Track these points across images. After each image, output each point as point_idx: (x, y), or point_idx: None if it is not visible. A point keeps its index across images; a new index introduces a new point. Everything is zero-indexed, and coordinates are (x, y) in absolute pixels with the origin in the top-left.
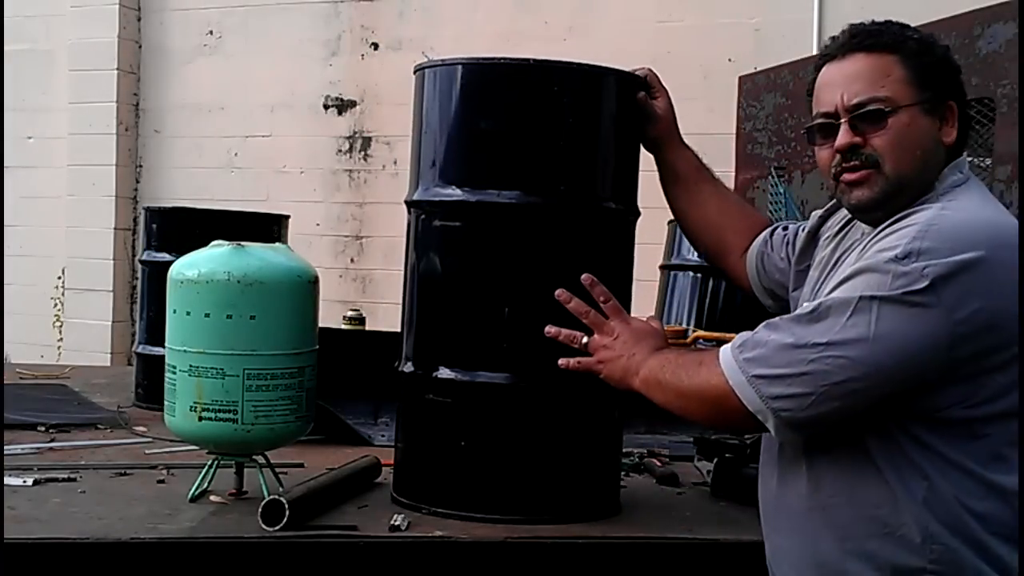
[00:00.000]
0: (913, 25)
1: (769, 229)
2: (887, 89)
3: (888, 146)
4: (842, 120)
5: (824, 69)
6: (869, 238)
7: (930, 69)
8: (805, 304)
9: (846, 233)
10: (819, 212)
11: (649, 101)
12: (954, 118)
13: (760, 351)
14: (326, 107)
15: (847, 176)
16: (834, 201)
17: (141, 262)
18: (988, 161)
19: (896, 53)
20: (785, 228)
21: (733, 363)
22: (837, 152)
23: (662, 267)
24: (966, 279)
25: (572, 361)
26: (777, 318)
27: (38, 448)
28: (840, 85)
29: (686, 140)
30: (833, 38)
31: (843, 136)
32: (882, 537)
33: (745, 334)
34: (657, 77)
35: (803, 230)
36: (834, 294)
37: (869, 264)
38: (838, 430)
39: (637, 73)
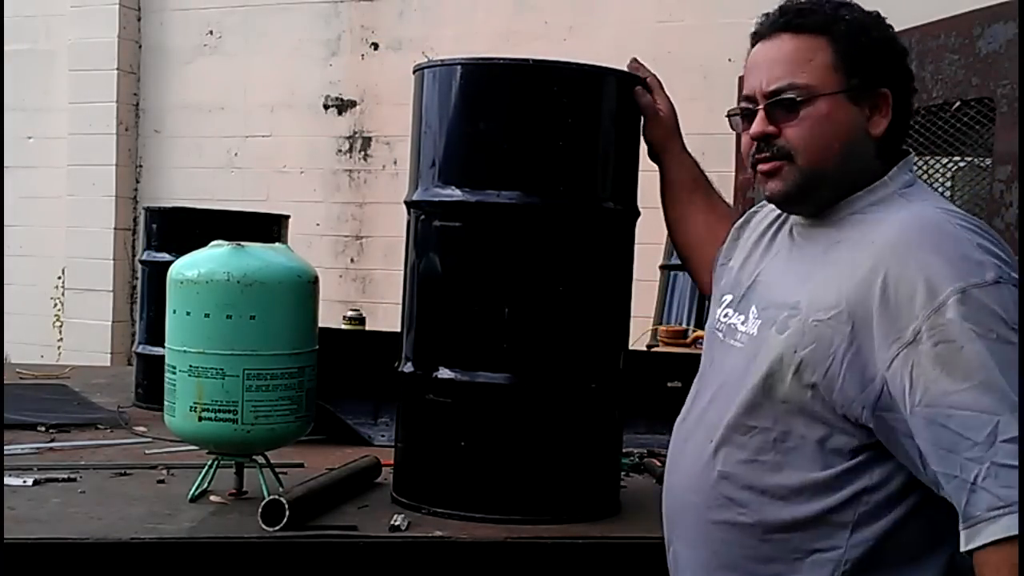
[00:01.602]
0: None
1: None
2: (807, 75)
3: (801, 138)
4: (759, 107)
5: (753, 50)
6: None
7: (862, 53)
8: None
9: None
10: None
11: (653, 106)
12: (887, 107)
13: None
14: (326, 107)
15: (761, 167)
16: (753, 208)
17: (141, 262)
18: (988, 161)
19: (824, 35)
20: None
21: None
22: (752, 140)
23: (662, 267)
24: None
25: None
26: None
27: (38, 448)
28: (763, 68)
29: (687, 141)
30: (766, 15)
31: (756, 124)
32: None
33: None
34: (660, 82)
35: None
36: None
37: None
38: None
39: (642, 75)
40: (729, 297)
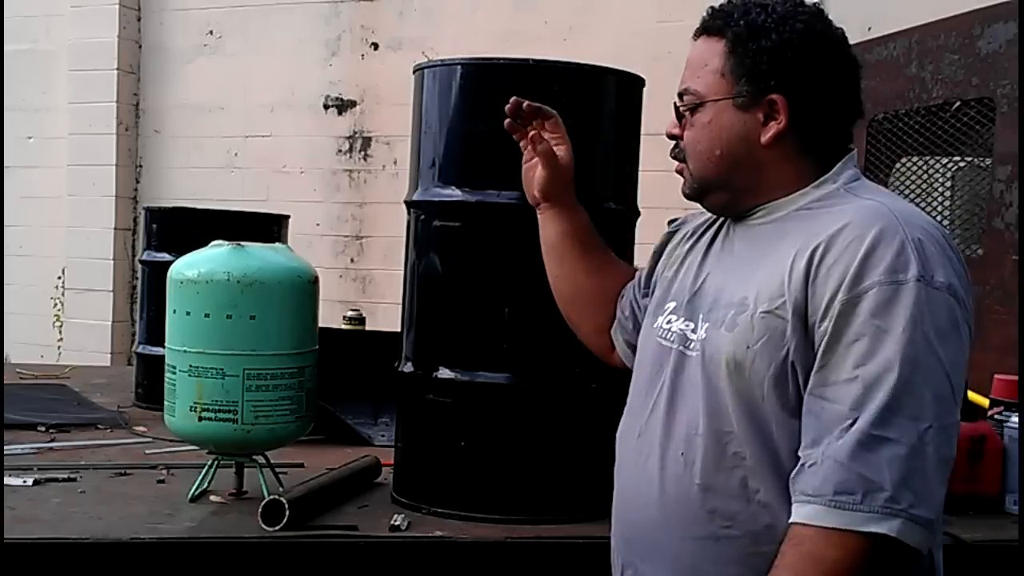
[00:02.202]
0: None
1: (622, 293)
2: (700, 81)
3: (689, 143)
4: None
5: None
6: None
7: (752, 58)
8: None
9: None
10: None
11: (552, 153)
12: (782, 114)
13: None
14: (326, 107)
15: (676, 166)
16: (678, 221)
17: (141, 262)
18: (988, 161)
19: (723, 38)
20: (630, 287)
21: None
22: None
23: None
24: None
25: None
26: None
27: (38, 448)
28: (685, 69)
29: None
30: None
31: (668, 125)
32: None
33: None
34: (561, 123)
35: (643, 270)
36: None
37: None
38: None
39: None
40: (673, 304)
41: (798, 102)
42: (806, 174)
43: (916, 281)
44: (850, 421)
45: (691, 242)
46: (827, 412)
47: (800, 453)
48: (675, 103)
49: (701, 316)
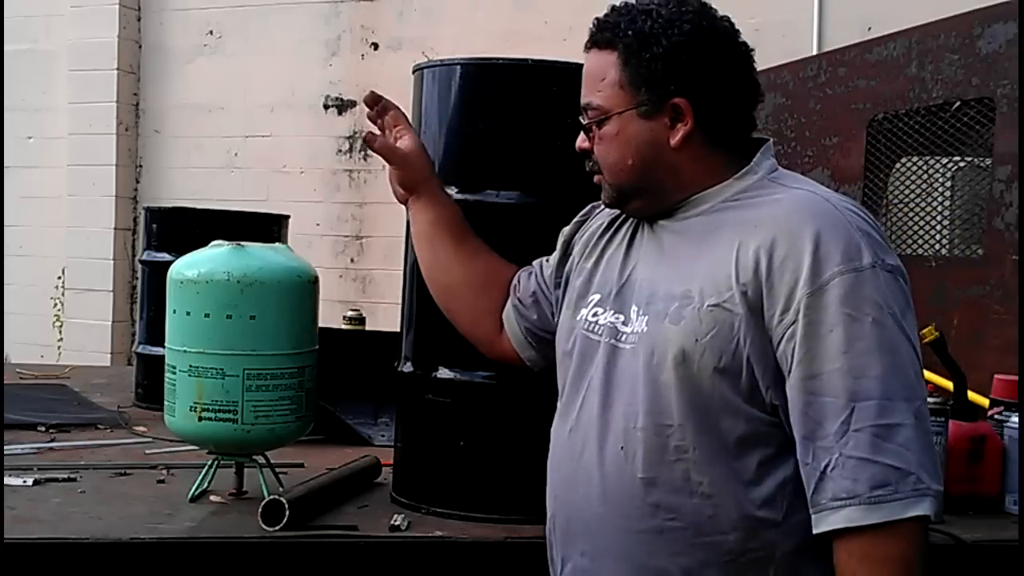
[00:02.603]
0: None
1: (515, 280)
2: (601, 95)
3: (600, 155)
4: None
5: None
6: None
7: (647, 66)
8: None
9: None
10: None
11: (391, 147)
12: (687, 116)
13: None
14: (326, 107)
15: (596, 178)
16: (585, 210)
17: (141, 262)
18: (988, 161)
19: (615, 50)
20: (529, 273)
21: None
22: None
23: None
24: None
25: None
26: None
27: (38, 448)
28: (583, 83)
29: None
30: None
31: (579, 139)
32: None
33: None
34: (403, 114)
35: (547, 260)
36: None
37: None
38: None
39: (384, 109)
40: (598, 296)
41: (700, 101)
42: (723, 166)
43: (872, 267)
44: (847, 412)
45: (609, 234)
46: (817, 406)
47: (801, 459)
48: (580, 119)
49: (636, 309)
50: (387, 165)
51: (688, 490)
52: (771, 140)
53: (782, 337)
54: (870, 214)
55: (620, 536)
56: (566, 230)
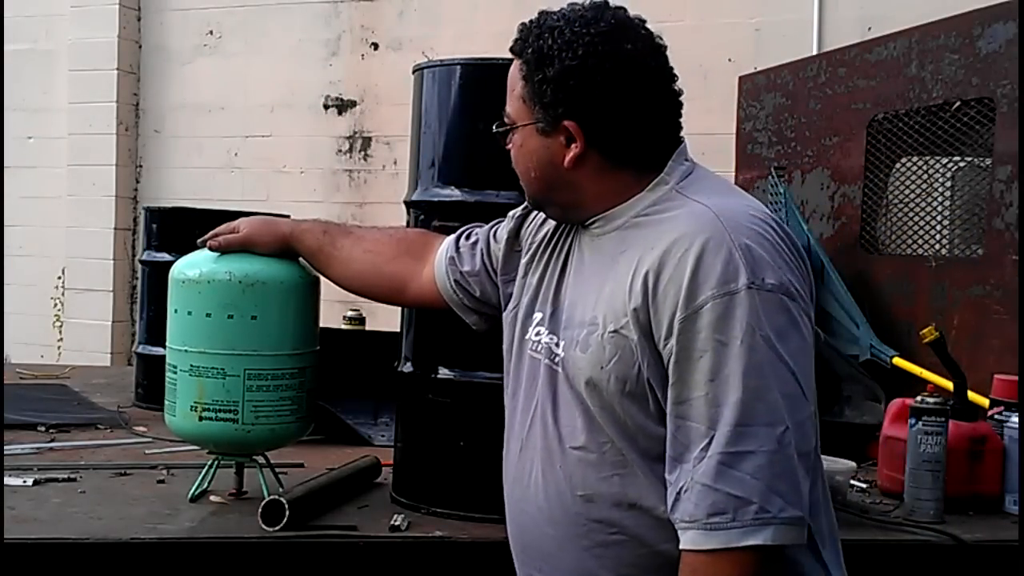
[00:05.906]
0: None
1: (451, 241)
2: (511, 105)
3: (513, 162)
4: None
5: None
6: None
7: (541, 87)
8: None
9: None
10: (510, 219)
11: (228, 238)
12: (579, 138)
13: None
14: (326, 107)
15: None
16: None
17: (141, 262)
18: (988, 161)
19: (524, 63)
20: (468, 236)
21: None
22: None
23: None
24: None
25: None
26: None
27: (38, 448)
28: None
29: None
30: None
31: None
32: None
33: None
34: (217, 232)
35: (495, 239)
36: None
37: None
38: None
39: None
40: (539, 315)
41: (591, 125)
42: (629, 183)
43: (747, 289)
44: (707, 440)
45: (552, 246)
46: (684, 431)
47: (667, 476)
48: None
49: (561, 332)
50: None
51: (626, 504)
52: (684, 143)
53: (667, 360)
54: (773, 224)
55: (571, 553)
56: (510, 226)
